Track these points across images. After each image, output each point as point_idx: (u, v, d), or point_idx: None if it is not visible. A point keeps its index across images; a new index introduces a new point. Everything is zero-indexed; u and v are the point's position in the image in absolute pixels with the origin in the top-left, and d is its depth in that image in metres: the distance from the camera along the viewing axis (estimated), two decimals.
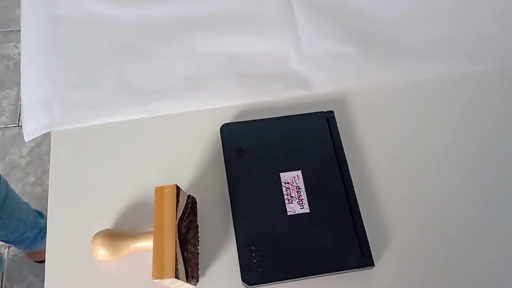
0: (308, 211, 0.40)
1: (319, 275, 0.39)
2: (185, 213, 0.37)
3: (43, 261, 1.13)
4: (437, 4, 0.52)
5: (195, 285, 0.37)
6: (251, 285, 0.38)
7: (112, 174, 0.44)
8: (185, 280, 0.35)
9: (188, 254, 0.36)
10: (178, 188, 0.36)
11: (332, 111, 0.45)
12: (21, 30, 0.51)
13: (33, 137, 0.46)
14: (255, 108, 0.47)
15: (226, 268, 0.40)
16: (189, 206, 0.38)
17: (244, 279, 0.38)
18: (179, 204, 0.36)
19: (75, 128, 0.46)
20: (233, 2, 0.52)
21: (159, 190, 0.36)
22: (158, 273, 0.33)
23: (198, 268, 0.38)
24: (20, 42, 1.41)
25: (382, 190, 0.43)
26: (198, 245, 0.40)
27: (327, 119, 0.45)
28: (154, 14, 0.51)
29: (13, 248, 1.16)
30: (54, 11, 0.52)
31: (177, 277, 0.33)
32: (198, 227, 0.40)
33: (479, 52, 0.50)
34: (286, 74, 0.48)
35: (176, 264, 0.33)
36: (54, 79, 0.48)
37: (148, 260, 0.37)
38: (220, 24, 0.51)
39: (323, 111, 0.45)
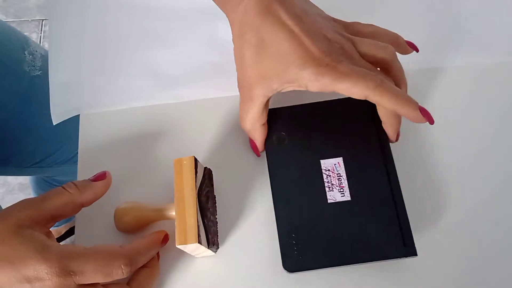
0: (349, 199, 0.39)
1: (359, 264, 0.38)
2: (203, 183, 0.38)
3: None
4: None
5: (215, 251, 0.39)
6: (292, 272, 0.37)
7: (137, 156, 0.44)
8: (207, 246, 0.36)
9: (209, 222, 0.37)
10: (196, 160, 0.37)
11: None
12: (50, 15, 0.52)
13: (61, 120, 0.46)
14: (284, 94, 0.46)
15: (265, 255, 0.39)
16: (206, 177, 0.39)
17: (286, 266, 0.37)
18: (197, 175, 0.37)
19: (103, 112, 0.46)
20: None
21: (178, 162, 0.37)
22: (182, 239, 0.34)
23: (217, 235, 0.39)
24: (34, 31, 1.42)
25: (426, 179, 0.42)
26: (216, 214, 0.41)
27: (370, 104, 0.43)
28: (179, 2, 0.51)
29: None
30: None
31: (199, 242, 0.34)
32: (215, 197, 0.41)
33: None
34: None
35: (198, 231, 0.35)
36: (82, 63, 0.48)
37: (169, 230, 0.39)
38: None
39: None
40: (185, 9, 0.51)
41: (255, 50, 0.36)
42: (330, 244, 0.38)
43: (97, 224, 0.41)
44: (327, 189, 0.40)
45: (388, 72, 0.38)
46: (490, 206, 0.42)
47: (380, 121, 0.42)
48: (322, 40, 0.35)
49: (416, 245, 0.38)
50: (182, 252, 0.38)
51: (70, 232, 1.14)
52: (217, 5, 0.40)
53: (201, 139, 0.44)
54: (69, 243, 1.14)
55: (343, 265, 0.38)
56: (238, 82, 0.39)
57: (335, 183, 0.40)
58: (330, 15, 0.40)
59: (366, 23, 0.40)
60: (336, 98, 0.43)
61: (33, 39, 1.44)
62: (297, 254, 0.37)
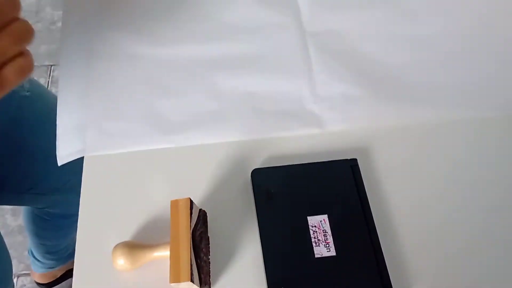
0: (334, 254, 0.42)
1: None
2: (198, 224, 0.41)
3: (49, 284, 1.13)
4: (441, 51, 0.56)
5: None
6: None
7: (136, 197, 0.47)
8: (199, 285, 0.38)
9: (201, 262, 0.40)
10: (191, 201, 0.40)
11: (355, 159, 0.48)
12: (60, 61, 0.56)
13: (66, 161, 0.49)
14: (273, 143, 0.50)
15: None
16: (200, 218, 0.42)
17: None
18: (192, 215, 0.40)
19: (106, 155, 0.49)
20: (254, 45, 0.57)
21: (174, 203, 0.40)
22: (175, 277, 0.36)
23: (209, 275, 0.41)
24: (42, 76, 1.46)
25: (405, 234, 0.45)
26: (209, 254, 0.43)
27: (351, 166, 0.47)
28: (182, 54, 0.56)
29: (22, 278, 1.16)
30: (92, 46, 0.56)
31: (192, 281, 0.36)
32: (209, 238, 0.44)
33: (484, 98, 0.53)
34: (300, 112, 0.52)
35: (191, 269, 0.36)
36: (88, 108, 0.52)
37: (164, 269, 0.39)
38: (242, 65, 0.55)
39: (347, 159, 0.48)
40: (186, 60, 0.56)
41: None
42: None
43: (95, 263, 0.43)
44: (314, 244, 0.42)
45: None
46: (467, 265, 0.44)
47: (360, 182, 0.46)
48: None
49: None
50: None
51: (65, 275, 1.13)
52: None
53: (198, 182, 0.47)
54: (66, 286, 1.14)
55: None
56: None
57: (321, 239, 0.43)
58: None
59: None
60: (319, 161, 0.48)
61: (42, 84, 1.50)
62: None
